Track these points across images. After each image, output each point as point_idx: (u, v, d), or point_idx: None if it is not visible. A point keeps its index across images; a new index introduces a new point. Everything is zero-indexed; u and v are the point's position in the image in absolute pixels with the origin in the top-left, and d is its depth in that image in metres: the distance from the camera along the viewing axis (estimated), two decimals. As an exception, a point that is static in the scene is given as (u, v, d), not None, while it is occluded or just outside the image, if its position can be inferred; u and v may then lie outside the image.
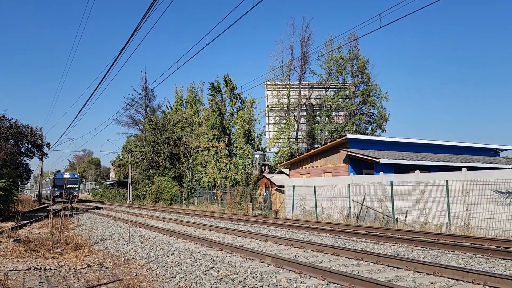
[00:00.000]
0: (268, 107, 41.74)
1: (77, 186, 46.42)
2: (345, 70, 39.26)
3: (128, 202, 49.73)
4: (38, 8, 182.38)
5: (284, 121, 40.72)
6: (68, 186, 43.72)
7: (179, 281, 6.92)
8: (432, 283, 6.22)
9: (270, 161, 39.73)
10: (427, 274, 6.77)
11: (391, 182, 17.42)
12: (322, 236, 12.81)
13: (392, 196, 17.17)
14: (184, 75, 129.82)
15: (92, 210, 30.15)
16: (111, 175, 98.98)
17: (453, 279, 6.36)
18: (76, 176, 47.31)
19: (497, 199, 13.67)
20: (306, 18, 70.60)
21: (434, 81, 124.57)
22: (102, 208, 34.57)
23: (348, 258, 8.44)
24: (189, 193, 39.38)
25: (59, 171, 49.13)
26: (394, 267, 7.38)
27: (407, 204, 16.73)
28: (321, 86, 40.67)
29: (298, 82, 40.31)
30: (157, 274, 7.67)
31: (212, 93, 44.73)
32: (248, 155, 42.27)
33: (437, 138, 61.95)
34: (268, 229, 15.33)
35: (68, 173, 47.91)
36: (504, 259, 8.32)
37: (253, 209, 26.86)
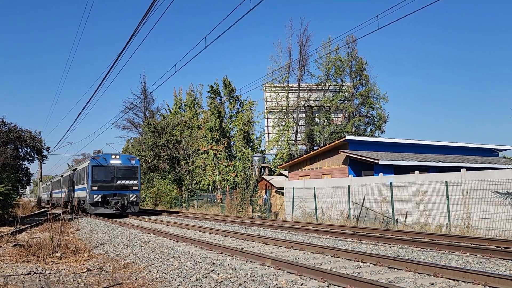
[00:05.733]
0: (267, 109, 41.78)
1: (136, 182, 24.71)
2: (343, 71, 39.33)
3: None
4: (36, 11, 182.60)
5: (283, 123, 40.74)
6: (119, 182, 23.95)
7: (179, 285, 6.90)
8: (432, 284, 6.21)
9: (270, 163, 39.73)
10: (427, 275, 6.77)
11: (391, 183, 17.42)
12: (322, 238, 12.80)
13: (392, 197, 17.16)
14: (183, 78, 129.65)
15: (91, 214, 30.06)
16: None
17: (454, 280, 6.36)
18: (133, 162, 25.16)
19: (496, 199, 13.66)
20: (305, 20, 70.41)
21: (433, 82, 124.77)
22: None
23: (349, 259, 8.43)
24: (189, 196, 39.33)
25: (99, 151, 26.10)
26: (394, 268, 7.37)
27: (407, 205, 16.72)
28: (319, 88, 40.74)
29: (297, 84, 40.36)
30: (157, 278, 7.65)
31: (211, 95, 44.77)
32: (247, 157, 42.25)
33: (436, 138, 62.01)
34: (268, 231, 15.31)
35: (117, 156, 25.05)
36: (504, 259, 8.31)
37: (253, 212, 26.83)
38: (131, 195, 23.94)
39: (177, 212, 29.74)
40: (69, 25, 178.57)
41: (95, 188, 23.11)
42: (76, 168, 29.30)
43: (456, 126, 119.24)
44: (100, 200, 22.91)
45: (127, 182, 24.20)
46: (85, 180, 24.39)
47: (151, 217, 24.41)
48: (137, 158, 26.07)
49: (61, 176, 39.51)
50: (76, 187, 27.99)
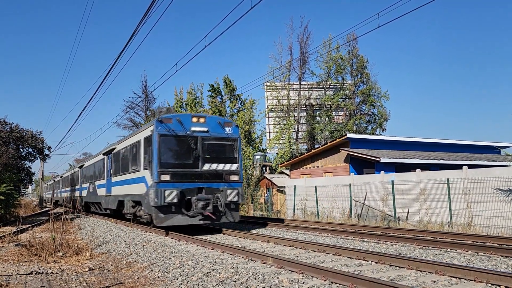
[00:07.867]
0: (268, 108, 41.79)
1: (236, 166, 13.38)
2: (344, 70, 39.34)
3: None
4: (36, 11, 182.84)
5: (284, 122, 40.75)
6: (207, 167, 12.79)
7: (181, 283, 6.90)
8: (434, 281, 6.20)
9: (271, 162, 39.75)
10: (429, 272, 6.76)
11: (392, 181, 17.40)
12: (324, 236, 12.78)
13: (394, 195, 17.14)
14: (184, 77, 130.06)
15: (95, 213, 30.04)
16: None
17: (456, 277, 6.35)
18: (228, 130, 13.55)
19: (498, 196, 13.64)
20: (305, 18, 70.33)
21: (434, 80, 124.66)
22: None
23: (350, 258, 8.42)
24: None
25: (168, 109, 13.49)
26: (396, 266, 7.37)
27: (409, 203, 16.70)
28: (320, 86, 40.74)
29: (298, 83, 40.33)
30: (159, 277, 7.66)
31: (212, 94, 44.77)
32: (248, 156, 42.26)
33: (437, 136, 61.85)
34: (269, 230, 15.31)
35: (200, 119, 13.18)
36: (506, 256, 8.29)
37: (254, 210, 26.84)
38: (228, 191, 13.06)
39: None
40: (69, 25, 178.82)
41: (166, 177, 12.37)
42: (115, 148, 17.70)
43: (457, 124, 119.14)
44: (176, 200, 12.25)
45: (221, 166, 13.24)
46: (141, 165, 13.67)
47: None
48: (235, 124, 14.31)
49: (80, 167, 28.79)
50: (114, 179, 17.45)
